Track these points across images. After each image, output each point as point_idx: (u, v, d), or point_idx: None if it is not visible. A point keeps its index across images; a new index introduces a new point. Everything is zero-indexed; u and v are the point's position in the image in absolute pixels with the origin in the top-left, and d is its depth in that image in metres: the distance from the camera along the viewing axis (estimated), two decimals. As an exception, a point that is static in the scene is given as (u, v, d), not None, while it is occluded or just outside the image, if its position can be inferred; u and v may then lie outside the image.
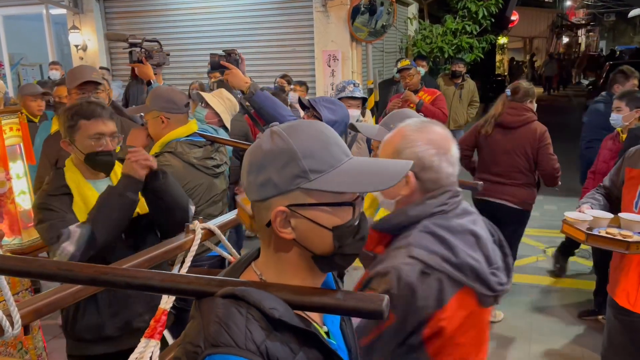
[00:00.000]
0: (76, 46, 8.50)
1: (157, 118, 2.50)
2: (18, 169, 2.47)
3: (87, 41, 8.51)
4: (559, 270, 4.77)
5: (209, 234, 1.72)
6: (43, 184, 2.11)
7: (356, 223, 0.95)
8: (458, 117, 6.96)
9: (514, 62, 21.59)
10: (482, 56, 9.60)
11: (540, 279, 4.71)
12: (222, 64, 2.63)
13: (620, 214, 2.48)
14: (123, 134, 3.13)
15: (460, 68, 7.01)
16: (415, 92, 5.28)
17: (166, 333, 2.12)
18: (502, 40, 20.71)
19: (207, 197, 2.56)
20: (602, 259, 3.99)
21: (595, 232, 2.41)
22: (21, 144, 2.46)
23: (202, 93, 3.45)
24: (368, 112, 6.52)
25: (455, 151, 1.44)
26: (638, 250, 2.30)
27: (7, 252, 2.16)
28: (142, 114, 2.80)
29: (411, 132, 1.43)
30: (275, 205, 0.91)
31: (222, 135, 3.26)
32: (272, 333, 0.85)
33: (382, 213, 1.85)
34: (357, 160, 0.96)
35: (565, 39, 29.31)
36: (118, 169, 2.12)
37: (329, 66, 7.40)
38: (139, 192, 2.01)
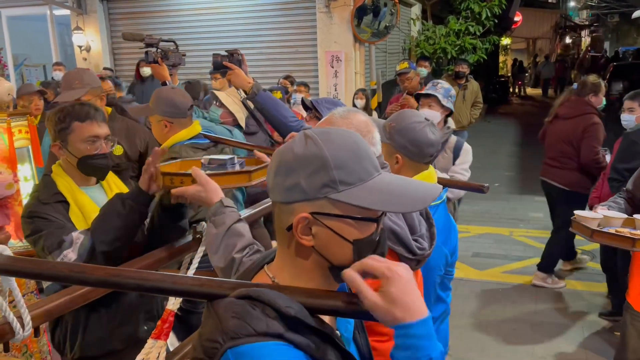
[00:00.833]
0: (80, 47, 8.53)
1: (160, 122, 2.50)
2: (26, 171, 2.48)
3: (90, 42, 8.53)
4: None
5: (215, 235, 1.73)
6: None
7: (377, 238, 0.95)
8: (461, 117, 6.95)
9: (516, 64, 21.55)
10: (486, 57, 9.60)
11: (543, 281, 4.71)
12: (224, 64, 2.62)
13: (635, 215, 2.47)
14: (128, 134, 3.14)
15: (464, 69, 7.01)
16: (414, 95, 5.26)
17: (171, 334, 2.13)
18: (505, 41, 20.69)
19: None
20: (609, 259, 4.00)
21: (605, 230, 2.40)
22: (29, 147, 2.46)
23: (217, 92, 3.44)
24: (374, 114, 6.53)
25: (376, 134, 1.57)
26: (645, 247, 2.28)
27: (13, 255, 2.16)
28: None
29: (336, 119, 1.55)
30: (299, 210, 0.91)
31: (237, 135, 3.25)
32: (289, 330, 0.85)
33: None
34: (387, 177, 0.95)
35: (568, 40, 29.28)
36: (110, 177, 2.03)
37: (332, 67, 7.41)
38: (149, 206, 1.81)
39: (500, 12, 9.56)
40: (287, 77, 6.55)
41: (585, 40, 33.29)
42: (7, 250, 1.14)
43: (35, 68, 11.06)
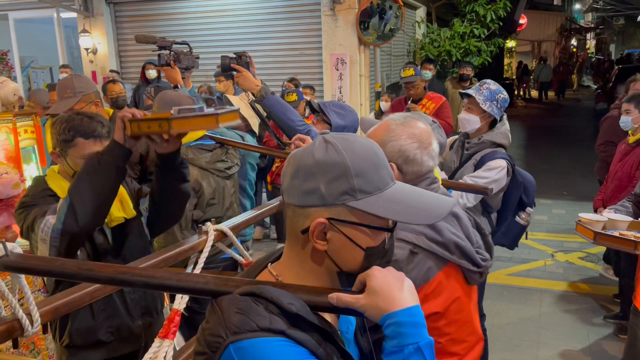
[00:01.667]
0: (86, 49, 8.58)
1: None
2: (32, 170, 2.50)
3: (97, 44, 8.58)
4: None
5: (221, 235, 1.75)
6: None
7: (387, 247, 0.97)
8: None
9: (521, 66, 21.49)
10: (490, 60, 9.59)
11: (548, 284, 4.70)
12: (232, 67, 2.64)
13: None
14: None
15: (468, 71, 7.01)
16: (419, 100, 5.22)
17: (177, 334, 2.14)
18: (510, 43, 20.64)
19: (220, 199, 2.58)
20: (619, 261, 3.99)
21: (609, 233, 2.41)
22: (35, 146, 2.48)
23: (230, 96, 3.44)
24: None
25: (435, 146, 1.50)
26: (647, 251, 2.29)
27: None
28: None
29: (395, 125, 1.49)
30: (315, 215, 0.92)
31: (249, 140, 3.25)
32: (292, 327, 0.87)
33: None
34: (402, 187, 0.97)
35: (574, 42, 29.18)
36: None
37: (337, 70, 7.42)
38: (126, 166, 1.78)
39: (505, 14, 9.55)
40: (291, 80, 6.56)
41: (591, 42, 33.16)
42: (17, 248, 1.15)
43: (42, 70, 11.14)
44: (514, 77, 21.65)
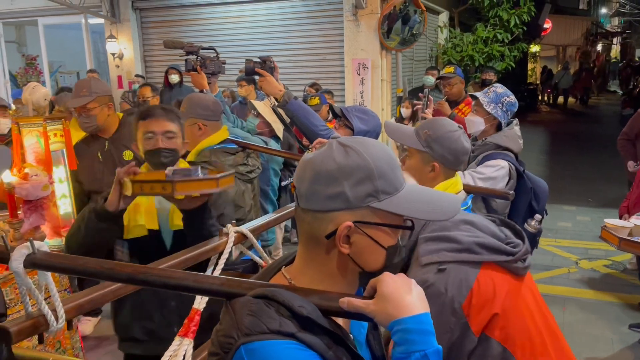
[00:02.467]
0: (113, 54, 8.76)
1: (194, 125, 2.56)
2: (60, 173, 2.56)
3: (123, 50, 8.75)
4: None
5: (241, 237, 1.77)
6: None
7: (402, 244, 1.00)
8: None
9: (545, 72, 21.18)
10: (514, 65, 9.50)
11: (572, 291, 4.63)
12: (256, 71, 2.67)
13: None
14: None
15: (491, 77, 6.96)
16: (457, 103, 5.01)
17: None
18: (534, 48, 20.39)
19: (242, 202, 2.61)
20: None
21: (635, 239, 2.37)
22: (64, 150, 2.55)
23: (254, 102, 3.47)
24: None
25: None
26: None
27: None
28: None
29: None
30: (340, 219, 0.93)
31: (273, 145, 3.28)
32: (302, 330, 0.88)
33: None
34: (414, 187, 1.00)
35: (599, 48, 28.69)
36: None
37: (359, 74, 7.44)
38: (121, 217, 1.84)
39: (530, 19, 9.46)
40: (313, 85, 6.60)
41: (616, 48, 32.56)
42: (44, 247, 1.19)
43: (69, 75, 11.40)
44: (538, 82, 21.36)
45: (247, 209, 2.76)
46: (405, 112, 6.03)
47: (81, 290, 1.64)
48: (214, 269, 1.72)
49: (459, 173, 2.16)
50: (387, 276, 0.92)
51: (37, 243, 1.19)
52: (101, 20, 8.77)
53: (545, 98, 20.95)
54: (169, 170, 1.73)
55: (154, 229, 1.97)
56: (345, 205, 0.92)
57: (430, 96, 3.94)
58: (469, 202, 2.11)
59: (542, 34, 18.60)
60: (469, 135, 2.95)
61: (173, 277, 1.11)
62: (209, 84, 3.15)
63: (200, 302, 1.59)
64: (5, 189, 2.32)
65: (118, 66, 8.84)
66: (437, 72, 6.47)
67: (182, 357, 1.51)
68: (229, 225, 1.78)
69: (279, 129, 3.67)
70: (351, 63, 7.47)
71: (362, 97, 7.45)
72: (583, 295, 4.54)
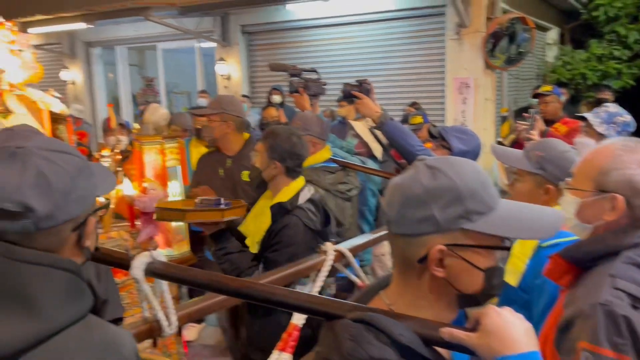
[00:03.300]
0: (222, 76, 9.29)
1: (308, 142, 2.64)
2: (175, 188, 2.77)
3: (232, 71, 9.25)
4: None
5: (340, 256, 1.80)
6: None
7: (501, 264, 0.96)
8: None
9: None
10: (634, 83, 8.80)
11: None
12: (353, 94, 2.72)
13: None
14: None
15: (607, 95, 6.48)
16: (553, 122, 4.87)
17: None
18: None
19: (342, 219, 2.66)
20: None
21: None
22: (178, 167, 2.76)
23: (353, 122, 3.53)
24: None
25: None
26: None
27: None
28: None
29: (622, 151, 1.30)
30: (431, 242, 0.91)
31: (371, 165, 3.34)
32: (402, 359, 0.87)
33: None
34: (510, 203, 0.96)
35: None
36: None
37: (461, 93, 7.27)
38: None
39: (652, 34, 8.74)
40: (413, 104, 6.55)
41: None
42: (161, 257, 1.29)
43: (181, 95, 12.25)
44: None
45: (346, 226, 2.79)
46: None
47: (190, 299, 1.76)
48: (313, 286, 1.76)
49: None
50: (492, 310, 0.89)
51: (155, 253, 1.29)
52: (213, 44, 9.35)
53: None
54: (198, 199, 2.21)
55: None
56: (436, 229, 0.90)
57: (536, 115, 3.77)
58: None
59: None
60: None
61: (276, 294, 1.16)
62: (311, 105, 3.24)
63: (299, 318, 1.63)
64: (126, 201, 2.54)
65: (226, 87, 9.35)
66: (565, 89, 6.19)
67: (280, 371, 1.55)
68: (328, 243, 1.82)
69: (376, 149, 3.69)
70: (452, 82, 7.33)
71: (463, 117, 7.27)
72: None
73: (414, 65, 7.75)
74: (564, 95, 5.98)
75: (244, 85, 9.28)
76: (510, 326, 0.86)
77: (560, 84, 7.10)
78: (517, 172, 1.87)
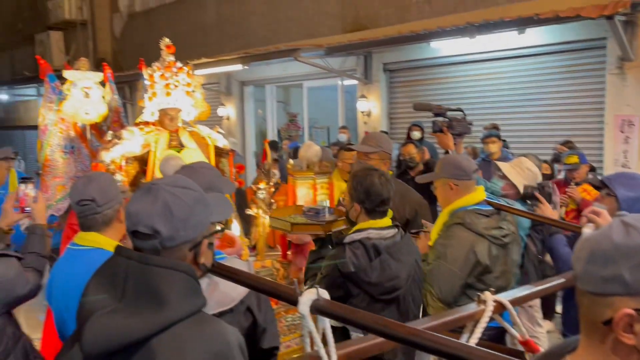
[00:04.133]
0: (362, 112, 9.51)
1: (445, 185, 2.60)
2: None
3: (372, 108, 9.44)
4: None
5: (500, 307, 1.69)
6: None
7: None
8: None
9: None
10: None
11: None
12: (535, 196, 2.83)
13: None
14: (399, 199, 3.26)
15: None
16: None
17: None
18: None
19: (496, 268, 2.51)
20: None
21: None
22: (327, 200, 2.85)
23: (499, 163, 3.41)
24: None
25: None
26: None
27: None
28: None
29: None
30: (619, 304, 0.85)
31: (519, 208, 3.19)
32: None
33: None
34: None
35: None
36: None
37: (622, 132, 6.62)
38: None
39: None
40: (566, 143, 6.12)
41: None
42: (326, 294, 1.31)
43: (321, 129, 12.73)
44: None
45: (495, 274, 2.63)
46: None
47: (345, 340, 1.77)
48: (470, 337, 1.67)
49: None
50: None
51: (321, 290, 1.32)
52: (354, 82, 9.63)
53: None
54: (305, 208, 2.54)
55: None
56: (624, 290, 0.83)
57: None
58: None
59: None
60: None
61: (445, 345, 1.11)
62: (454, 144, 3.17)
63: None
64: (280, 233, 2.66)
65: (366, 122, 9.53)
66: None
67: None
68: (487, 293, 1.72)
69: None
70: (613, 120, 6.71)
71: (625, 158, 6.60)
72: None
73: (568, 102, 7.25)
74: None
75: (382, 121, 9.39)
76: None
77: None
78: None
